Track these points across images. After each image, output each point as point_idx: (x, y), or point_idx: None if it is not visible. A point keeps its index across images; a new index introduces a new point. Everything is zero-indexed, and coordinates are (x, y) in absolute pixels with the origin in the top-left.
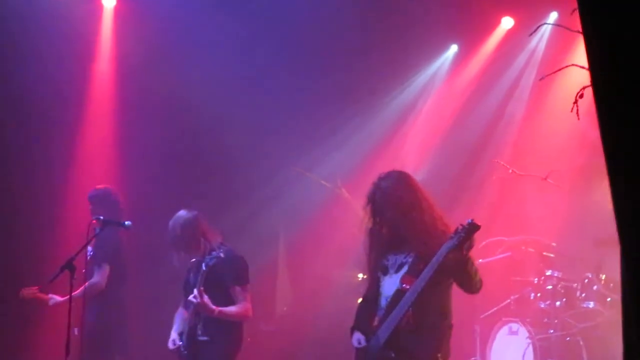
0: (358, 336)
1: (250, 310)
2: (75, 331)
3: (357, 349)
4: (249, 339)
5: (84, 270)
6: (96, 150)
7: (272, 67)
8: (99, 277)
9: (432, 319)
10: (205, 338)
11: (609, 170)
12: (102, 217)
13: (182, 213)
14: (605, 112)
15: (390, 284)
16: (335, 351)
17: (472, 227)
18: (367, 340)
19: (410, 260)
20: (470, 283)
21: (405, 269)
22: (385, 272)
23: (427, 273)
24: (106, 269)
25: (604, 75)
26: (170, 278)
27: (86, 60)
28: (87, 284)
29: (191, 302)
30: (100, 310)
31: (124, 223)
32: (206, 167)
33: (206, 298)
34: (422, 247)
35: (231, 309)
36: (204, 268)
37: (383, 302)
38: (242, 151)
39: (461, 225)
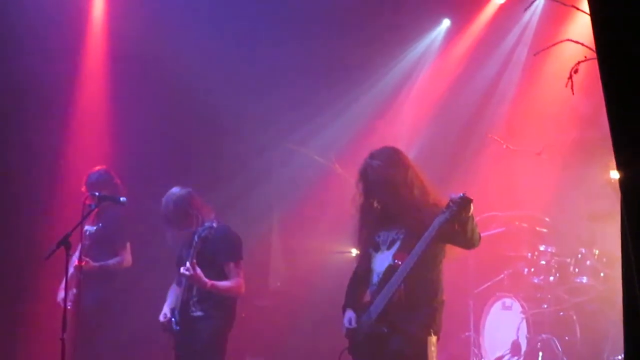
0: (349, 315)
1: (243, 286)
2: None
3: (347, 328)
4: (242, 315)
5: (82, 245)
6: (87, 128)
7: (263, 40)
8: (128, 254)
9: (424, 295)
10: (198, 313)
11: (615, 143)
12: (97, 193)
13: (175, 190)
14: (611, 85)
15: (381, 260)
16: (330, 327)
17: (464, 201)
18: (359, 317)
19: (401, 236)
20: (469, 241)
21: (397, 245)
22: (377, 248)
23: (419, 248)
24: (129, 246)
25: (609, 49)
26: (163, 255)
27: (78, 35)
28: (120, 260)
29: (184, 275)
30: (98, 286)
31: (119, 199)
32: (197, 143)
33: (199, 270)
34: (413, 223)
35: (224, 283)
36: (196, 240)
37: (375, 279)
38: (234, 126)
39: (452, 199)
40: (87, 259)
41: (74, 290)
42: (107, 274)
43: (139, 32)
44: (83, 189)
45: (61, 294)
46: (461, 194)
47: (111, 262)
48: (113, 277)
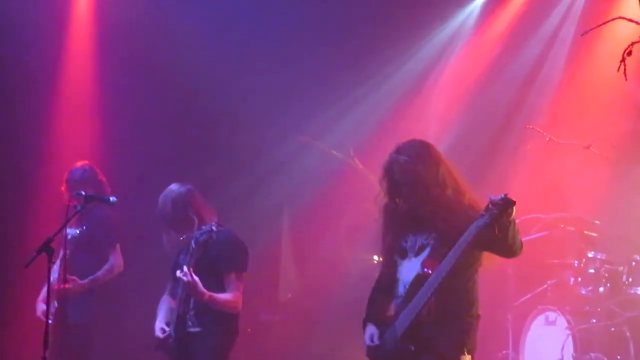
0: (371, 330)
1: (241, 302)
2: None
3: (369, 346)
4: (249, 330)
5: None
6: (75, 118)
7: (277, 26)
8: (119, 257)
9: (457, 308)
10: (196, 329)
11: None
12: (83, 193)
13: (174, 187)
14: None
15: (409, 269)
16: (348, 344)
17: (506, 203)
18: (382, 333)
19: (432, 242)
20: (510, 249)
21: (426, 251)
22: (404, 255)
23: (452, 255)
24: (119, 248)
25: None
26: (158, 260)
27: (63, 19)
28: (109, 267)
29: (179, 282)
30: (86, 299)
31: (109, 199)
32: (201, 137)
33: (196, 278)
34: (446, 227)
35: (223, 296)
36: (193, 246)
37: (401, 289)
38: (243, 118)
39: (492, 201)
40: (74, 278)
41: (56, 304)
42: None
43: (129, 14)
44: (63, 187)
45: (41, 307)
46: (502, 195)
47: (100, 273)
48: (101, 287)
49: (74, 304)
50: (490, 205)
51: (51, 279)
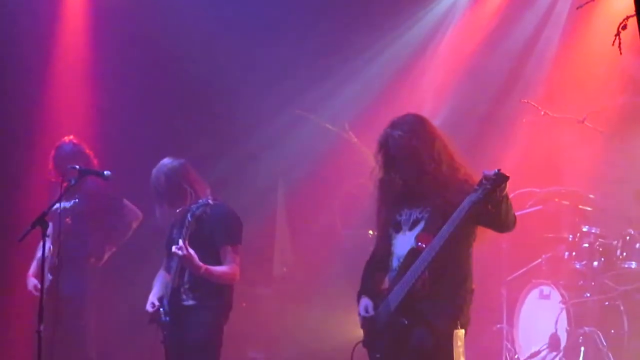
0: (365, 302)
1: (238, 274)
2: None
3: (364, 317)
4: (244, 304)
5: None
6: (68, 92)
7: (271, 1)
8: (135, 209)
9: (451, 283)
10: (190, 302)
11: None
12: (77, 167)
13: (167, 161)
14: None
15: (403, 242)
16: (342, 317)
17: (499, 178)
18: (376, 306)
19: (426, 215)
20: (503, 224)
21: (421, 225)
22: (398, 228)
23: (446, 230)
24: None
25: None
26: (152, 235)
27: None
28: (129, 222)
29: (175, 254)
30: (79, 273)
31: (103, 173)
32: (191, 109)
33: (192, 251)
34: (440, 201)
35: (219, 268)
36: (189, 219)
37: (395, 263)
38: (237, 93)
39: (485, 176)
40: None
41: (50, 276)
42: (85, 258)
43: None
44: (50, 165)
45: (32, 281)
46: (496, 170)
47: (122, 230)
48: (92, 263)
49: (67, 277)
50: (483, 180)
51: (39, 254)
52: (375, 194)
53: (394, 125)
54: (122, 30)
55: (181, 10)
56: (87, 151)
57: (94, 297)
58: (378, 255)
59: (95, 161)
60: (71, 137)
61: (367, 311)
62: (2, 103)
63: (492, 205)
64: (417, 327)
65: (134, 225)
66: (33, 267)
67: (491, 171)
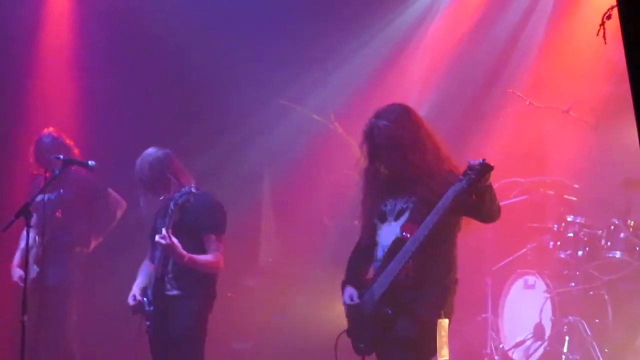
0: (350, 291)
1: (222, 263)
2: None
3: (348, 305)
4: (229, 294)
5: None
6: (52, 82)
7: None
8: (118, 198)
9: (435, 272)
10: (174, 292)
11: (635, 99)
12: (62, 157)
13: (152, 150)
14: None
15: (388, 233)
16: (327, 308)
17: (484, 168)
18: (361, 295)
19: (411, 205)
20: (487, 214)
21: (406, 215)
22: (383, 219)
23: (430, 220)
24: (113, 192)
25: None
26: (137, 224)
27: None
28: (113, 211)
29: (158, 244)
30: (63, 262)
31: (87, 163)
32: (175, 100)
33: (175, 240)
34: (425, 191)
35: (203, 257)
36: (172, 207)
37: (380, 253)
38: (220, 81)
39: (470, 166)
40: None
41: (36, 268)
42: (69, 248)
43: None
44: (31, 158)
45: (17, 271)
46: (481, 160)
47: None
48: (78, 252)
49: (52, 267)
50: (468, 170)
51: (23, 244)
52: (360, 184)
53: (378, 115)
54: (109, 20)
55: (166, 4)
56: (67, 142)
57: (78, 287)
58: (363, 245)
59: (76, 151)
60: (50, 129)
61: (352, 299)
62: None
63: (476, 195)
64: (401, 317)
65: (119, 214)
66: (17, 257)
67: (476, 161)
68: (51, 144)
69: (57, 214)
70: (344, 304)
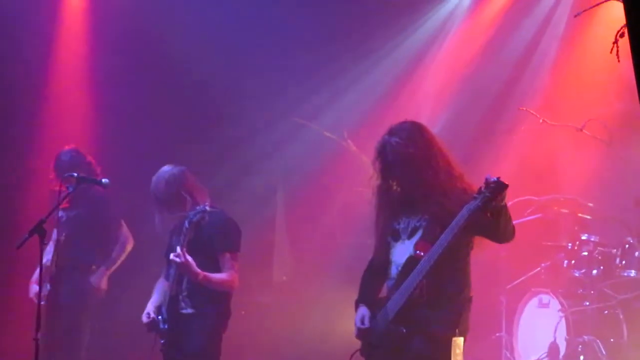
0: (362, 312)
1: (237, 281)
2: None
3: (359, 328)
4: (242, 312)
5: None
6: (68, 99)
7: (272, 10)
8: (127, 233)
9: (449, 290)
10: (189, 311)
11: None
12: (76, 174)
13: (167, 168)
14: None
15: (402, 251)
16: (342, 325)
17: (499, 186)
18: (374, 314)
19: (424, 223)
20: (502, 234)
21: (419, 233)
22: (397, 237)
23: (444, 238)
24: (124, 225)
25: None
26: (152, 242)
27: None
28: (122, 245)
29: (173, 262)
30: (77, 282)
31: (101, 181)
32: (190, 117)
33: (190, 258)
34: (438, 209)
35: (218, 275)
36: (186, 226)
37: (393, 271)
38: (234, 99)
39: (485, 183)
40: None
41: (48, 286)
42: (84, 267)
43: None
44: (52, 175)
45: (34, 288)
46: (495, 178)
47: (115, 254)
48: (93, 271)
49: (65, 285)
50: (482, 189)
51: (44, 260)
52: (373, 201)
53: (391, 132)
54: (124, 36)
55: (182, 15)
56: (88, 159)
57: (91, 307)
58: (376, 263)
59: (97, 169)
60: (72, 146)
61: (362, 322)
62: (2, 109)
63: (491, 214)
64: (415, 336)
65: (128, 248)
66: (36, 273)
67: (491, 179)
68: (70, 161)
69: (66, 228)
70: (355, 325)
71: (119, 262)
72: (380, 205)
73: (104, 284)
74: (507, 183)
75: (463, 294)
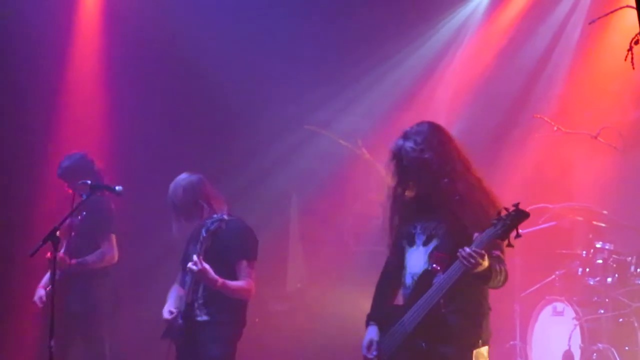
0: (372, 335)
1: (254, 289)
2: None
3: (365, 356)
4: (257, 320)
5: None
6: (81, 110)
7: (281, 12)
8: (112, 247)
9: (469, 305)
10: (204, 318)
11: None
12: (89, 182)
13: (185, 175)
14: None
15: (417, 258)
16: (356, 334)
17: (520, 215)
18: (385, 331)
19: (440, 233)
20: (493, 285)
21: (434, 242)
22: (412, 242)
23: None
24: (114, 239)
25: None
26: (166, 250)
27: (70, 7)
28: (100, 254)
29: (190, 270)
30: (86, 288)
31: (115, 188)
32: (205, 124)
33: (207, 266)
34: (454, 220)
35: (236, 282)
36: (204, 234)
37: (408, 280)
38: (249, 107)
39: (506, 209)
40: (62, 255)
41: (48, 289)
42: (92, 273)
43: (137, 8)
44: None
45: (40, 292)
46: (515, 205)
47: (89, 258)
48: (102, 276)
49: (75, 293)
50: (503, 215)
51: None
52: (388, 204)
53: (406, 135)
54: (139, 43)
55: (197, 25)
56: (96, 166)
57: (106, 311)
58: (390, 267)
59: (105, 176)
60: (80, 152)
61: (369, 348)
62: (17, 116)
63: (508, 243)
64: (439, 348)
65: (105, 261)
66: (45, 278)
67: (513, 208)
68: (68, 166)
69: (73, 234)
70: (362, 351)
71: (89, 267)
72: (394, 208)
73: (66, 261)
74: (528, 211)
75: (482, 307)
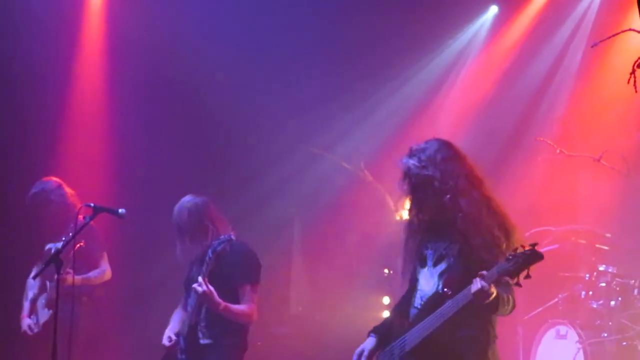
0: (365, 345)
1: (256, 314)
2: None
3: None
4: (259, 343)
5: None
6: (86, 128)
7: (284, 35)
8: (107, 264)
9: (474, 332)
10: (207, 341)
11: None
12: (92, 205)
13: (189, 197)
14: None
15: (427, 278)
16: None
17: (533, 256)
18: (388, 342)
19: (451, 253)
20: (501, 313)
21: (444, 265)
22: (424, 263)
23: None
24: (106, 258)
25: None
26: (170, 271)
27: (73, 25)
28: (101, 272)
29: (195, 292)
30: (94, 314)
31: (118, 211)
32: (207, 146)
33: (212, 288)
34: (463, 242)
35: (238, 306)
36: (210, 255)
37: (417, 301)
38: (252, 129)
39: (522, 247)
40: (69, 270)
41: (46, 311)
42: (92, 294)
43: (140, 23)
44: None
45: (26, 321)
46: (531, 245)
47: (92, 274)
48: (98, 297)
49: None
50: (517, 253)
51: (30, 295)
52: (404, 225)
53: (411, 153)
54: (140, 68)
55: (200, 45)
56: (62, 192)
57: (104, 331)
58: (407, 293)
59: (76, 202)
60: (42, 180)
61: (359, 356)
62: (19, 136)
63: (517, 281)
64: None
65: (106, 277)
66: (26, 308)
67: (529, 247)
68: (37, 200)
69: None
70: (354, 354)
71: (93, 282)
72: (410, 231)
73: (69, 280)
74: (542, 253)
75: (489, 335)
